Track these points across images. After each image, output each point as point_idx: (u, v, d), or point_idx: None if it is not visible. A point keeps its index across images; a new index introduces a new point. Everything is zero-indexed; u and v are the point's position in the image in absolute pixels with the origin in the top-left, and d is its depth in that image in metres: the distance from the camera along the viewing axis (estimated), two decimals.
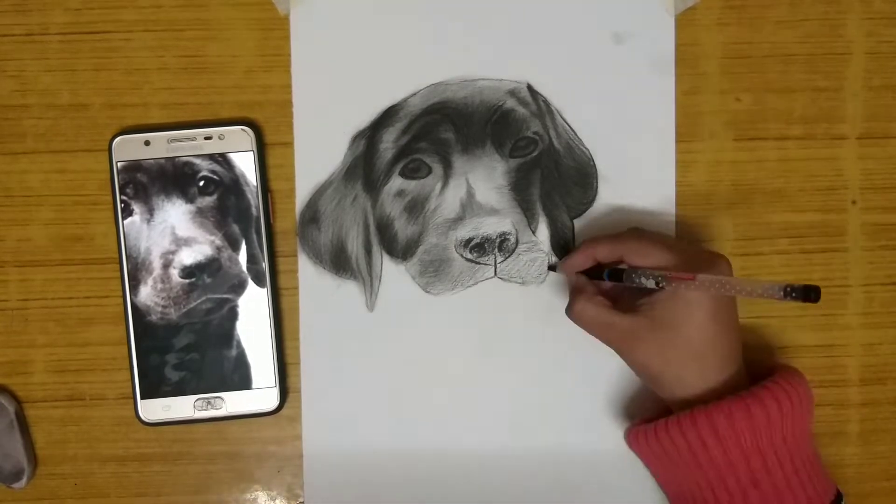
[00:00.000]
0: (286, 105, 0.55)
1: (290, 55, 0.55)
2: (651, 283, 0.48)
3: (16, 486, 0.54)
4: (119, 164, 0.53)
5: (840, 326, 0.56)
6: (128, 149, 0.53)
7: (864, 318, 0.56)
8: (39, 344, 0.55)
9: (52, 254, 0.55)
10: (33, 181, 0.54)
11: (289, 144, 0.55)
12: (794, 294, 0.41)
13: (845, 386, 0.56)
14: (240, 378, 0.54)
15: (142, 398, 0.53)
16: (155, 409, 0.54)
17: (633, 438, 0.52)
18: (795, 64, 0.56)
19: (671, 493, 0.52)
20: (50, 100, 0.54)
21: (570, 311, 0.52)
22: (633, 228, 0.53)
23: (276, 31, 0.55)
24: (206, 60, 0.55)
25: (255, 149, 0.53)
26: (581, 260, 0.53)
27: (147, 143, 0.53)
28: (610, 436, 0.55)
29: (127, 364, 0.54)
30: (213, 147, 0.53)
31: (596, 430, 0.55)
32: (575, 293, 0.52)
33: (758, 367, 0.51)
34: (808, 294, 0.41)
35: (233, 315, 0.53)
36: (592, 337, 0.51)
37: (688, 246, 0.52)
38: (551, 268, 0.55)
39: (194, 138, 0.53)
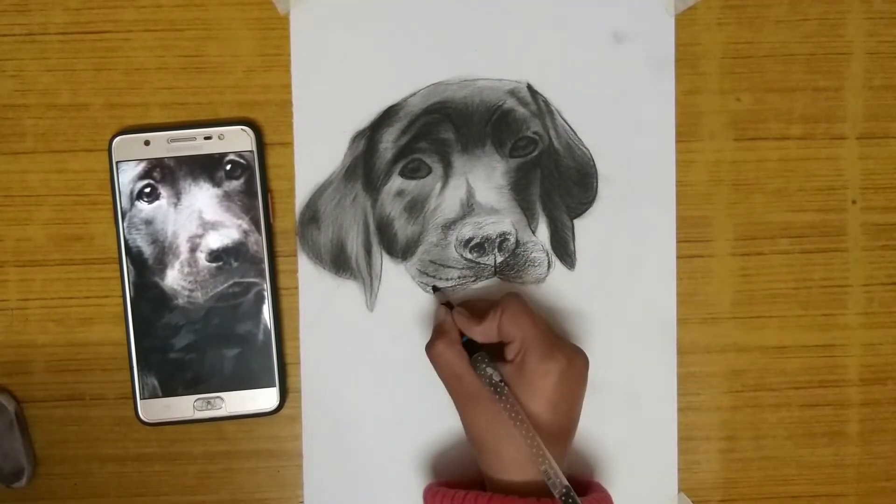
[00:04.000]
0: (286, 105, 0.55)
1: (289, 55, 0.55)
2: (494, 378, 0.48)
3: (16, 486, 0.54)
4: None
5: (840, 326, 0.56)
6: (128, 149, 0.53)
7: (864, 318, 0.56)
8: (39, 344, 0.55)
9: (52, 254, 0.55)
10: (33, 181, 0.54)
11: (289, 144, 0.55)
12: (564, 498, 0.45)
13: (845, 386, 0.56)
14: (240, 378, 0.54)
15: (142, 398, 0.53)
16: (155, 409, 0.54)
17: (429, 496, 0.50)
18: (795, 64, 0.56)
19: None
20: (50, 100, 0.54)
21: (429, 349, 0.50)
22: (514, 293, 0.50)
23: (275, 30, 0.55)
24: (206, 60, 0.55)
25: (255, 149, 0.53)
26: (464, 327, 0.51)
27: (147, 142, 0.53)
28: (610, 435, 0.55)
29: (127, 364, 0.54)
30: (213, 147, 0.53)
31: (596, 429, 0.55)
32: (439, 333, 0.50)
33: (574, 481, 0.49)
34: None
35: (260, 299, 0.53)
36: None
37: (554, 332, 0.50)
38: (436, 288, 0.54)
39: (194, 138, 0.53)
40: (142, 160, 0.53)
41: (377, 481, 0.55)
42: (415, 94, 0.55)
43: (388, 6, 0.55)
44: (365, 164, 0.55)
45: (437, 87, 0.55)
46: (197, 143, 0.53)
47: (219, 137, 0.53)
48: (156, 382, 0.53)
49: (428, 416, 0.55)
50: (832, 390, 0.56)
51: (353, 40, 0.55)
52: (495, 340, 0.50)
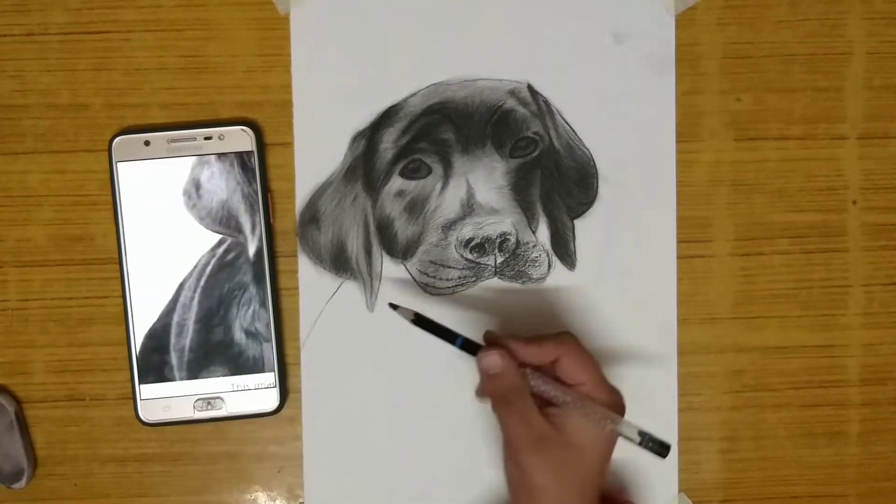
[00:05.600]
0: (286, 105, 0.55)
1: (290, 55, 0.54)
2: (568, 404, 0.47)
3: (16, 486, 0.54)
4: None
5: (840, 326, 0.56)
6: (128, 149, 0.53)
7: (864, 318, 0.56)
8: (39, 344, 0.55)
9: (52, 254, 0.55)
10: (33, 181, 0.54)
11: (289, 144, 0.55)
12: (649, 444, 0.47)
13: (845, 386, 0.56)
14: (240, 378, 0.54)
15: (142, 398, 0.53)
16: (155, 410, 0.54)
17: None
18: (795, 64, 0.56)
19: None
20: (50, 100, 0.54)
21: (502, 399, 0.47)
22: (566, 332, 0.49)
23: (276, 31, 0.55)
24: (206, 60, 0.55)
25: (255, 149, 0.53)
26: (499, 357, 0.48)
27: (147, 143, 0.53)
28: None
29: (127, 364, 0.54)
30: (214, 147, 0.53)
31: None
32: (508, 385, 0.47)
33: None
34: (661, 449, 0.46)
35: (260, 298, 0.53)
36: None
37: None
38: (421, 323, 0.51)
39: (194, 138, 0.53)
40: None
41: (377, 481, 0.55)
42: (415, 94, 0.55)
43: (388, 6, 0.55)
44: (365, 165, 0.55)
45: (438, 88, 0.55)
46: (197, 143, 0.53)
47: (219, 138, 0.53)
48: (156, 383, 0.53)
49: (428, 415, 0.55)
50: (832, 390, 0.56)
51: (353, 40, 0.55)
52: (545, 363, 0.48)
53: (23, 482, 0.54)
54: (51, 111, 0.54)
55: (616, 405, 0.47)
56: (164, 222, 0.53)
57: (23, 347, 0.55)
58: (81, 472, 0.55)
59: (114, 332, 0.54)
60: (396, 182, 0.55)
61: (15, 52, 0.54)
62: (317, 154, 0.55)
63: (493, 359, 0.47)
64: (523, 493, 0.46)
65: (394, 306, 0.50)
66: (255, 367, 0.54)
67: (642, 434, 0.46)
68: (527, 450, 0.45)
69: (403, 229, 0.55)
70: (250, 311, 0.54)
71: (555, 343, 0.47)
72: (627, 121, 0.55)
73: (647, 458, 0.45)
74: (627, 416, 0.55)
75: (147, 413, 0.54)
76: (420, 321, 0.49)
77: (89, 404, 0.55)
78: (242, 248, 0.54)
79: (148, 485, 0.55)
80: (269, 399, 0.54)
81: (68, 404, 0.55)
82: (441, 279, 0.55)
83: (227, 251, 0.53)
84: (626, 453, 0.55)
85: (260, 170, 0.54)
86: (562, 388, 0.47)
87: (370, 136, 0.55)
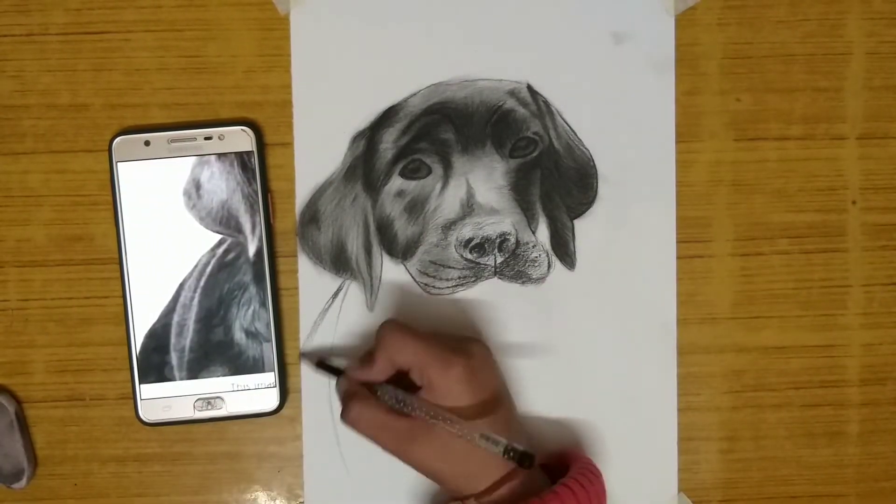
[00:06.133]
0: (286, 105, 0.55)
1: (290, 55, 0.55)
2: (398, 397, 0.48)
3: (16, 486, 0.54)
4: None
5: (840, 326, 0.56)
6: (128, 149, 0.53)
7: (864, 318, 0.56)
8: (39, 344, 0.55)
9: (52, 254, 0.55)
10: (33, 181, 0.54)
11: (289, 144, 0.55)
12: (511, 455, 0.46)
13: (845, 386, 0.56)
14: (240, 378, 0.54)
15: (142, 398, 0.54)
16: (155, 410, 0.54)
17: None
18: (795, 64, 0.56)
19: None
20: (50, 100, 0.54)
21: (345, 416, 0.49)
22: (388, 321, 0.51)
23: (276, 31, 0.55)
24: (206, 60, 0.55)
25: (255, 149, 0.53)
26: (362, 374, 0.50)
27: (147, 143, 0.53)
28: (611, 435, 0.55)
29: (127, 364, 0.54)
30: (214, 147, 0.53)
31: (596, 429, 0.55)
32: (349, 398, 0.49)
33: (551, 458, 0.50)
34: (523, 460, 0.45)
35: (260, 298, 0.53)
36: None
37: (443, 337, 0.51)
38: (332, 371, 0.53)
39: (194, 138, 0.53)
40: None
41: (377, 481, 0.55)
42: (415, 94, 0.55)
43: (388, 6, 0.55)
44: (365, 165, 0.55)
45: (438, 88, 0.55)
46: (197, 143, 0.53)
47: (219, 138, 0.53)
48: (156, 383, 0.53)
49: None
50: (832, 390, 0.56)
51: (353, 41, 0.55)
52: (400, 370, 0.49)
53: (23, 482, 0.54)
54: (51, 111, 0.54)
55: (468, 353, 0.48)
56: (164, 222, 0.53)
57: (23, 347, 0.55)
58: (81, 472, 0.55)
59: (114, 332, 0.54)
60: (396, 182, 0.55)
61: (15, 52, 0.54)
62: (317, 154, 0.55)
63: (341, 381, 0.51)
64: (436, 481, 0.49)
65: (304, 355, 0.54)
66: (256, 367, 0.54)
67: (506, 448, 0.46)
68: (404, 451, 0.48)
69: (403, 229, 0.55)
70: (250, 311, 0.54)
71: (378, 350, 0.49)
72: (627, 121, 0.55)
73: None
74: (628, 418, 0.55)
75: (147, 413, 0.54)
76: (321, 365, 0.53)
77: (89, 404, 0.55)
78: (242, 248, 0.54)
79: (148, 485, 0.55)
80: (269, 399, 0.54)
81: (68, 404, 0.55)
82: (441, 279, 0.55)
83: (227, 251, 0.53)
84: (627, 453, 0.55)
85: (260, 170, 0.54)
86: (414, 399, 0.48)
87: (370, 136, 0.55)
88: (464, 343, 0.50)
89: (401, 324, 0.50)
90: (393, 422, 0.48)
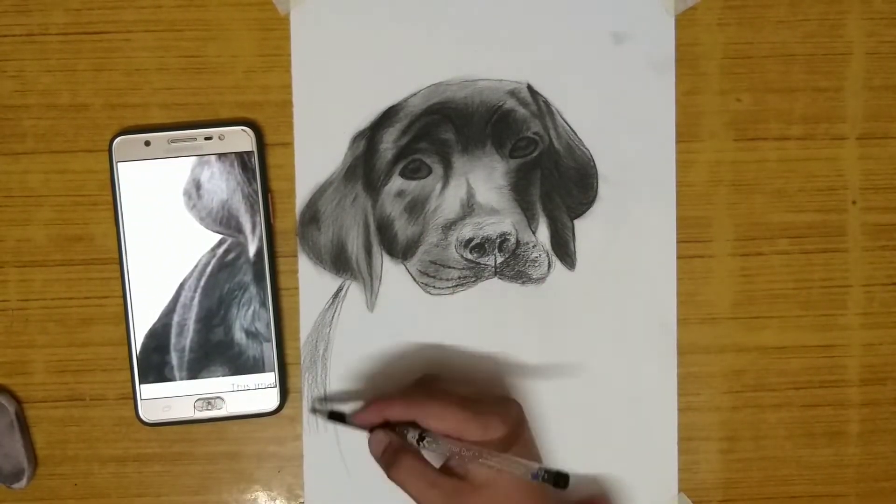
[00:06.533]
0: (286, 105, 0.55)
1: (290, 55, 0.55)
2: (444, 453, 0.48)
3: (16, 486, 0.54)
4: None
5: (840, 326, 0.56)
6: (128, 149, 0.53)
7: (864, 318, 0.56)
8: (39, 344, 0.55)
9: (52, 254, 0.55)
10: (33, 181, 0.54)
11: (289, 144, 0.55)
12: (545, 477, 0.45)
13: (845, 386, 0.56)
14: (240, 378, 0.54)
15: (142, 398, 0.54)
16: (155, 410, 0.54)
17: None
18: (795, 64, 0.56)
19: None
20: (50, 100, 0.54)
21: (396, 471, 0.48)
22: (421, 379, 0.51)
23: (276, 31, 0.55)
24: (206, 60, 0.55)
25: (255, 149, 0.53)
26: (371, 417, 0.50)
27: (147, 143, 0.53)
28: (610, 435, 0.55)
29: (127, 364, 0.54)
30: (214, 147, 0.53)
31: (596, 430, 0.55)
32: (397, 453, 0.49)
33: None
34: (558, 480, 0.45)
35: (260, 298, 0.53)
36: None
37: (479, 396, 0.50)
38: (335, 417, 0.53)
39: (194, 139, 0.53)
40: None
41: (377, 481, 0.55)
42: (415, 94, 0.55)
43: (388, 7, 0.55)
44: (365, 165, 0.55)
45: (438, 88, 0.55)
46: (197, 143, 0.53)
47: (219, 138, 0.53)
48: (156, 383, 0.53)
49: None
50: (832, 390, 0.56)
51: (353, 41, 0.55)
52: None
53: (23, 482, 0.54)
54: (51, 111, 0.54)
55: (500, 440, 0.47)
56: (164, 222, 0.53)
57: (23, 347, 0.55)
58: (81, 472, 0.55)
59: (114, 332, 0.54)
60: (396, 182, 0.55)
61: (15, 52, 0.54)
62: (317, 154, 0.55)
63: (376, 435, 0.50)
64: None
65: (337, 418, 0.53)
66: (256, 367, 0.54)
67: (538, 472, 0.46)
68: None
69: (403, 229, 0.55)
70: (250, 311, 0.54)
71: (406, 404, 0.49)
72: (627, 121, 0.55)
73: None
74: (628, 418, 0.55)
75: (147, 413, 0.54)
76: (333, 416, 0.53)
77: (89, 404, 0.55)
78: (242, 248, 0.54)
79: (148, 485, 0.55)
80: (269, 399, 0.54)
81: (68, 404, 0.55)
82: (441, 279, 0.55)
83: (227, 251, 0.53)
84: (627, 453, 0.55)
85: (260, 170, 0.54)
86: (450, 441, 0.47)
87: (370, 136, 0.55)
88: (501, 404, 0.49)
89: (438, 388, 0.49)
90: (442, 480, 0.47)
